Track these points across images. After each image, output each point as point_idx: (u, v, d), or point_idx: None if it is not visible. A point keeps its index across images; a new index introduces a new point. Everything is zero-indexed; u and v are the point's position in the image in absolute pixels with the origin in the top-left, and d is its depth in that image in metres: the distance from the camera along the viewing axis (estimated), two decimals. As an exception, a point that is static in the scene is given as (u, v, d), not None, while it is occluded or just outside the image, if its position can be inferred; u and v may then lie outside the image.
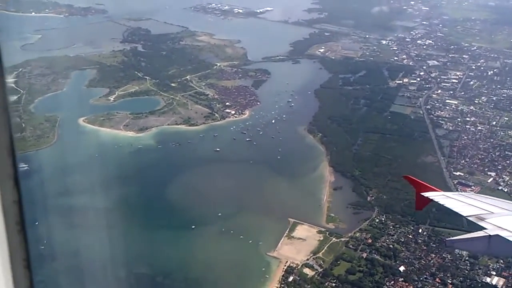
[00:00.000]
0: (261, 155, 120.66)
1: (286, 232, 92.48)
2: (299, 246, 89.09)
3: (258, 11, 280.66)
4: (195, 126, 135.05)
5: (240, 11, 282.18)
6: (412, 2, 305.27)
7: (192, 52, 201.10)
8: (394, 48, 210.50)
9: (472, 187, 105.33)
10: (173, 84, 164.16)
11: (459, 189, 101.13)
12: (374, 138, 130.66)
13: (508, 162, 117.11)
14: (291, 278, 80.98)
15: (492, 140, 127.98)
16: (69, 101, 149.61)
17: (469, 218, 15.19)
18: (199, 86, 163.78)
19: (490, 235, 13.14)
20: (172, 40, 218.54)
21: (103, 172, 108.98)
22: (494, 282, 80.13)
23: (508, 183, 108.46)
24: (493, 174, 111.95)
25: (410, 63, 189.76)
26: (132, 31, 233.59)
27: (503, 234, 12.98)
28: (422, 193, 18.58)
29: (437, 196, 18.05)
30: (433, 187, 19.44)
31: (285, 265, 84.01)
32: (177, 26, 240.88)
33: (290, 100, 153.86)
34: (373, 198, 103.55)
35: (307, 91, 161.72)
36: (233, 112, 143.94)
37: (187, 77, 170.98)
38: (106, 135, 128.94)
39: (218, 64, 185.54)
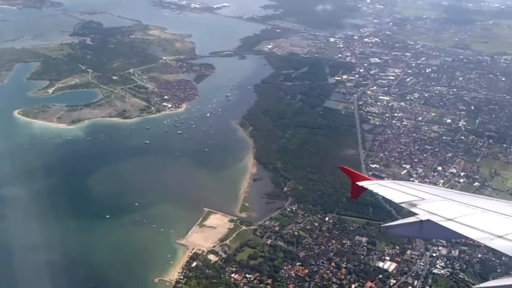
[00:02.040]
0: (190, 147, 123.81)
1: (199, 221, 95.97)
2: (208, 234, 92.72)
3: (214, 6, 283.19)
4: (129, 118, 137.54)
5: (197, 6, 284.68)
6: (368, 0, 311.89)
7: (140, 46, 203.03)
8: (340, 45, 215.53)
9: (385, 178, 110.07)
10: (114, 77, 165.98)
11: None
12: (303, 132, 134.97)
13: (425, 155, 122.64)
14: (194, 264, 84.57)
15: (414, 134, 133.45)
16: (8, 93, 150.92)
17: (402, 205, 15.83)
18: (140, 79, 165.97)
19: (421, 220, 13.82)
20: (123, 33, 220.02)
21: (28, 163, 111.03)
22: (386, 267, 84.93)
23: (421, 175, 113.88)
24: (408, 166, 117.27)
25: (353, 60, 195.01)
26: (83, 24, 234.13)
27: (433, 218, 13.77)
28: (357, 182, 19.12)
29: (371, 184, 18.59)
30: (367, 176, 20.55)
31: (191, 252, 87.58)
32: (130, 20, 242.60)
33: (228, 94, 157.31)
34: (289, 188, 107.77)
35: (247, 86, 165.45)
36: (169, 105, 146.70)
37: (130, 70, 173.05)
38: (38, 127, 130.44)
39: (164, 58, 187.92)
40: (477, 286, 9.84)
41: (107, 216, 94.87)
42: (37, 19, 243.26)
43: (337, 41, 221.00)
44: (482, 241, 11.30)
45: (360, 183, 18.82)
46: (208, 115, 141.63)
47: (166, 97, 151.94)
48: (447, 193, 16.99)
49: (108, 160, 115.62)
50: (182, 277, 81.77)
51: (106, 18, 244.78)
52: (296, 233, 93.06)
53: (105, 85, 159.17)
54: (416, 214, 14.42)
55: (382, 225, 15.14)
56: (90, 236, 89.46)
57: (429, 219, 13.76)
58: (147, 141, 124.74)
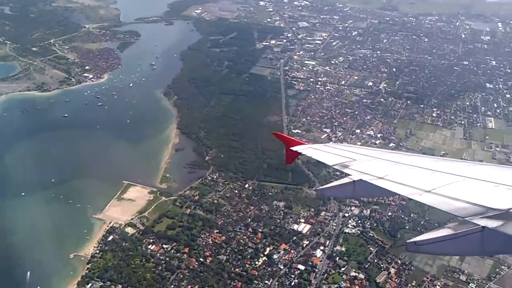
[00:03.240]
0: (111, 119, 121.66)
1: (117, 194, 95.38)
2: (127, 207, 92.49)
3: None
4: (48, 91, 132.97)
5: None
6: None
7: (62, 14, 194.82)
8: (270, 9, 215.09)
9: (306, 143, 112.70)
10: (34, 49, 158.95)
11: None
12: (228, 99, 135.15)
13: (345, 119, 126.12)
14: (110, 238, 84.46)
15: (336, 98, 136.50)
16: None
17: (335, 167, 15.84)
18: (61, 49, 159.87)
19: (354, 181, 13.81)
20: (44, 1, 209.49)
21: None
22: (300, 229, 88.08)
23: (340, 138, 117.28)
24: (328, 130, 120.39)
25: (282, 25, 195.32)
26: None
27: (365, 178, 13.82)
28: (291, 148, 19.02)
29: (304, 149, 18.44)
30: (300, 141, 20.23)
31: (108, 226, 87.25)
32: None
33: (153, 62, 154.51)
34: (211, 157, 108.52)
35: (173, 53, 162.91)
36: (91, 76, 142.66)
37: (51, 40, 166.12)
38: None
39: (87, 26, 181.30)
40: (410, 240, 9.81)
41: (22, 194, 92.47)
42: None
43: (267, 5, 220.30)
44: (411, 196, 11.29)
45: (294, 148, 18.84)
46: (131, 85, 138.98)
47: (87, 67, 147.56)
48: (378, 152, 17.30)
49: (25, 136, 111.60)
50: (97, 251, 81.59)
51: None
52: (215, 201, 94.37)
53: (24, 57, 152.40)
54: (349, 175, 14.46)
55: (317, 188, 15.98)
56: (4, 215, 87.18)
57: (361, 179, 13.81)
58: (66, 115, 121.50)
